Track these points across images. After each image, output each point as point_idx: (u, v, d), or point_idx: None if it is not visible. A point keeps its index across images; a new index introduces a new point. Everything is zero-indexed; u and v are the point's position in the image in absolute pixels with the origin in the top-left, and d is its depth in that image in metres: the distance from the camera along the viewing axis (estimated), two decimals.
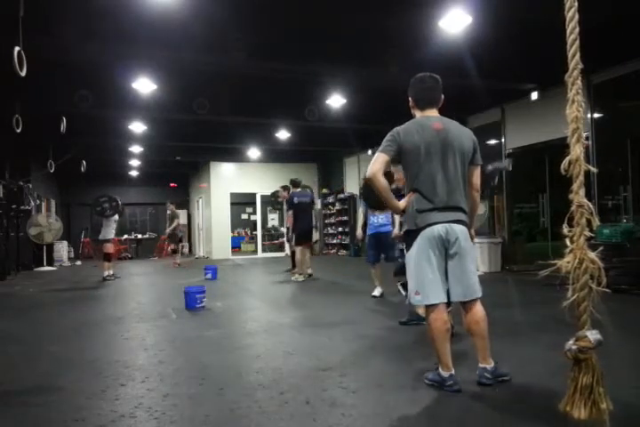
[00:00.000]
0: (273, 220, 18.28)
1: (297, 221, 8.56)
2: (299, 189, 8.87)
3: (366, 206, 6.33)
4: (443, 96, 2.88)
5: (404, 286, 4.31)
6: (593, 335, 1.75)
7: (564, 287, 1.80)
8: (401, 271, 4.45)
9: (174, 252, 12.74)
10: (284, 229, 12.87)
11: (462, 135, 2.79)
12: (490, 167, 3.88)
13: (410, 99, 2.91)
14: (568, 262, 1.74)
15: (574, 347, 1.76)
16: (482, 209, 5.63)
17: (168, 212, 12.41)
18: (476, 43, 6.02)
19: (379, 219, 6.13)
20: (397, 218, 5.12)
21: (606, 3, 5.15)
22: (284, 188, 9.77)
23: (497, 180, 4.01)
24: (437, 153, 2.69)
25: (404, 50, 6.52)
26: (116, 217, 9.63)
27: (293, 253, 9.79)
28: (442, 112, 2.89)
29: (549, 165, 8.91)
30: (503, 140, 9.14)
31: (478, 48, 6.19)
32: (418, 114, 2.88)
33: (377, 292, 6.21)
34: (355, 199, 14.35)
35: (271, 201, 13.14)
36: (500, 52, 6.44)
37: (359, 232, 6.80)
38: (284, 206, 9.99)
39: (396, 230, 5.31)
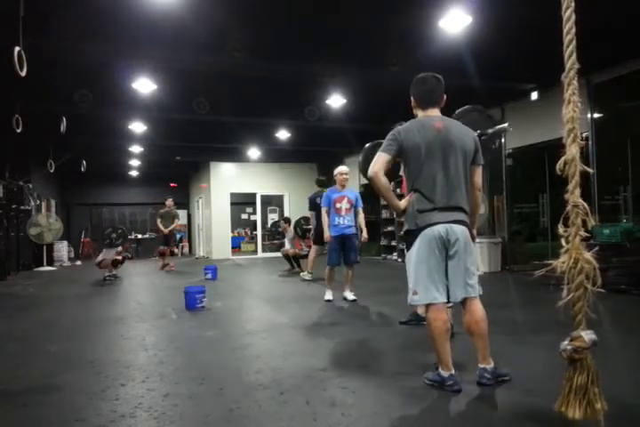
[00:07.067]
0: (273, 220, 18.27)
1: (318, 221, 8.50)
2: (319, 189, 8.59)
3: (329, 205, 5.95)
4: (445, 96, 2.89)
5: None
6: (588, 335, 1.75)
7: (558, 287, 1.80)
8: None
9: (172, 253, 11.79)
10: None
11: (464, 135, 2.79)
12: (490, 131, 3.85)
13: (412, 98, 2.92)
14: (563, 262, 1.74)
15: (569, 347, 1.76)
16: (482, 209, 5.62)
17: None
18: (476, 43, 6.01)
19: (345, 220, 5.88)
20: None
21: (606, 3, 5.15)
22: (286, 220, 10.72)
23: (498, 144, 3.96)
24: (438, 153, 2.70)
25: (404, 50, 6.50)
26: (119, 248, 9.76)
27: (286, 255, 10.20)
28: (442, 112, 2.89)
29: (549, 164, 8.91)
30: (503, 140, 9.14)
31: (478, 48, 6.18)
32: (420, 114, 2.89)
33: (330, 295, 6.00)
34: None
35: (272, 231, 13.19)
36: (499, 52, 6.43)
37: (327, 235, 6.00)
38: (286, 236, 10.63)
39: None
